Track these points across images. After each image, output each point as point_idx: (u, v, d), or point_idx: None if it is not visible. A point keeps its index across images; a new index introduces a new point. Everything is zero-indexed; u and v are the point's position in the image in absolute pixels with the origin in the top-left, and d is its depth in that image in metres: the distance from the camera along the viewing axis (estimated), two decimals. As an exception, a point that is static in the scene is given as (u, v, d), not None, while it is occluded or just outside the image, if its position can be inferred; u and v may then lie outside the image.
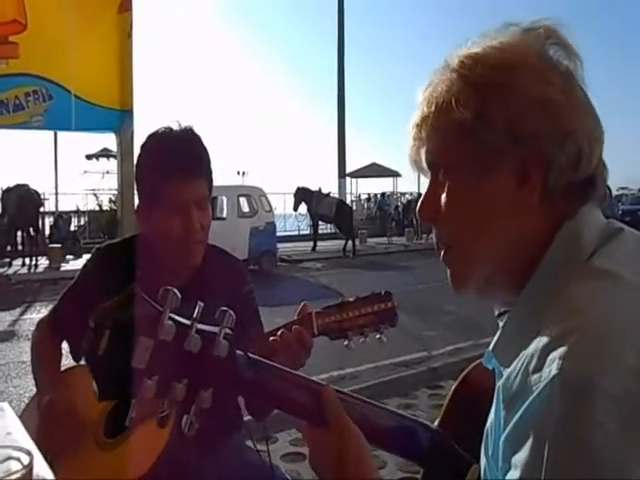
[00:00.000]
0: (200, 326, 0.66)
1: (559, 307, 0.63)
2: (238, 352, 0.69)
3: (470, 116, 0.69)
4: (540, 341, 0.61)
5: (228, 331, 0.67)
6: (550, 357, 0.58)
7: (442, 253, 0.76)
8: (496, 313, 0.78)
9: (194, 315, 0.66)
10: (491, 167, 0.69)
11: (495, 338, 0.74)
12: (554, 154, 0.67)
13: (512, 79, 0.68)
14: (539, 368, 0.59)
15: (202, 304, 0.67)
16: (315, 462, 0.76)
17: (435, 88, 0.73)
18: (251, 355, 0.72)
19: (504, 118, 0.68)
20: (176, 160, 1.41)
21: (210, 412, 0.68)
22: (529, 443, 0.57)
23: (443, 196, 0.73)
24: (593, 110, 0.72)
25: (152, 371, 0.63)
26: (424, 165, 0.76)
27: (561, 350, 0.57)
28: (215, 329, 0.67)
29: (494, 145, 0.68)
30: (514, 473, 0.58)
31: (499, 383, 0.66)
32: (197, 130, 1.48)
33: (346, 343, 1.41)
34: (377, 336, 1.42)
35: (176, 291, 0.64)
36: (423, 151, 0.75)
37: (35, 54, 2.35)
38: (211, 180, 1.49)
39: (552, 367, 0.57)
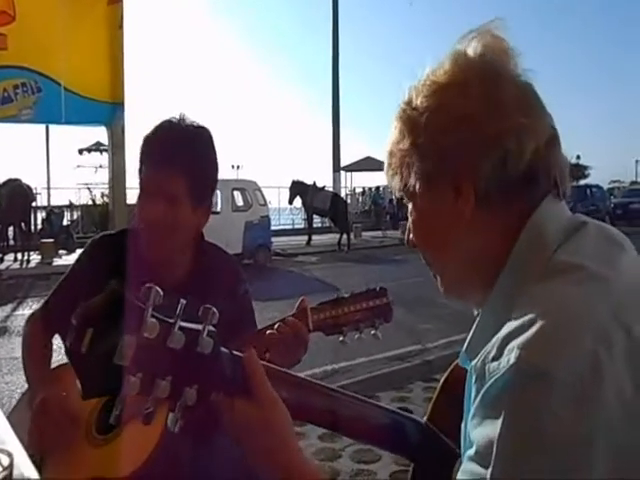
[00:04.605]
0: (183, 324, 0.65)
1: (522, 302, 0.65)
2: (222, 349, 0.69)
3: (406, 149, 0.76)
4: (501, 333, 0.63)
5: (212, 328, 0.66)
6: (509, 347, 0.60)
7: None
8: (475, 313, 0.81)
9: (177, 312, 0.65)
10: (432, 189, 0.75)
11: (467, 339, 0.78)
12: (478, 160, 0.71)
13: (436, 102, 0.74)
14: (498, 357, 0.61)
15: (184, 301, 0.66)
16: (234, 430, 0.74)
17: (390, 136, 0.80)
18: (235, 353, 0.71)
19: (430, 141, 0.73)
20: (152, 149, 1.39)
21: (199, 408, 0.67)
22: (486, 422, 0.60)
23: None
24: (529, 103, 0.74)
25: (136, 368, 0.63)
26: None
27: (519, 340, 0.60)
28: (199, 327, 0.66)
29: (428, 169, 0.74)
30: (471, 449, 0.62)
31: (468, 375, 0.69)
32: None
33: (341, 339, 1.40)
34: (372, 332, 1.41)
35: (158, 289, 0.63)
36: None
37: (24, 46, 2.32)
38: (199, 179, 1.40)
39: (510, 356, 0.59)
